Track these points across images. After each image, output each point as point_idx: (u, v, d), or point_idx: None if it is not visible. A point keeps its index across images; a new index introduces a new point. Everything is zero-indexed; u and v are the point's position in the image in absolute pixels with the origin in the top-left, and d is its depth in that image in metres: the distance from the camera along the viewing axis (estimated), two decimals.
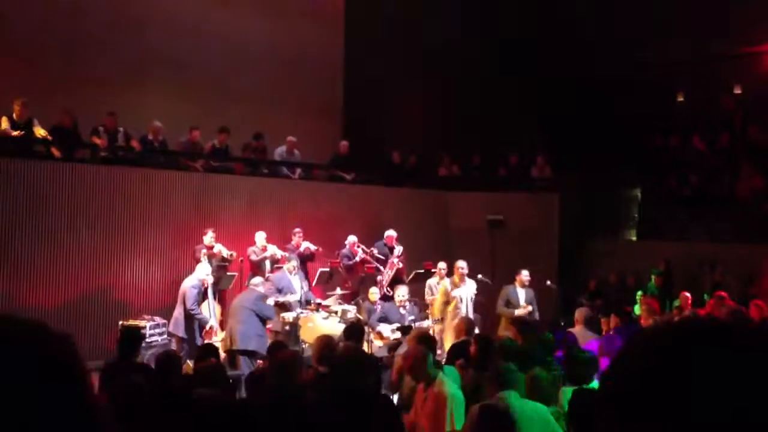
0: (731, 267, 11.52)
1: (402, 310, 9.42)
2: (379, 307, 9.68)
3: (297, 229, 11.21)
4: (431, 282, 10.27)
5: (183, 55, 13.37)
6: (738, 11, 14.38)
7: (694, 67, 15.66)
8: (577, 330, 7.93)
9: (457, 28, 15.82)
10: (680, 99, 16.62)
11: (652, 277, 11.96)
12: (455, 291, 9.79)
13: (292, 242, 11.11)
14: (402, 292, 9.60)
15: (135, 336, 6.04)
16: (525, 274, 10.14)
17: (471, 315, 9.44)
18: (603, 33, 16.02)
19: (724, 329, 0.81)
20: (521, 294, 10.09)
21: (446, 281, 9.95)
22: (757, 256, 11.46)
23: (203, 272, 9.31)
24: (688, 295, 10.21)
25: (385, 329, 9.12)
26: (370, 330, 9.13)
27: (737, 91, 15.69)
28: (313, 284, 10.97)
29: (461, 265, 9.94)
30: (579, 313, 8.41)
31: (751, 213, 12.72)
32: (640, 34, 15.75)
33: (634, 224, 15.35)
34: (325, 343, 5.80)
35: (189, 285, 9.13)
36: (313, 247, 11.17)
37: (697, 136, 14.80)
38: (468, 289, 9.91)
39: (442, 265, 10.22)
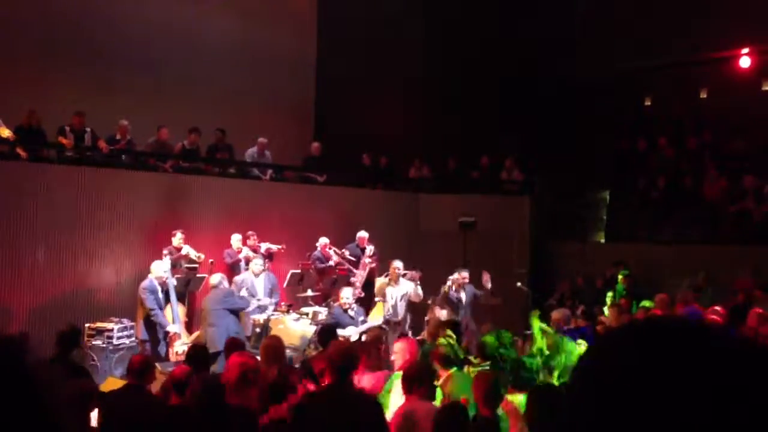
0: (698, 268, 11.67)
1: (351, 312, 9.19)
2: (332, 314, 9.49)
3: (250, 232, 11.07)
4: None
5: (152, 54, 13.22)
6: (704, 17, 14.62)
7: (661, 71, 15.88)
8: None
9: (428, 29, 15.87)
10: (647, 103, 16.85)
11: (620, 278, 12.09)
12: (389, 291, 10.07)
13: (248, 244, 11.01)
14: (346, 295, 9.31)
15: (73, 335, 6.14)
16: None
17: (401, 315, 9.94)
18: (572, 37, 16.19)
19: (691, 328, 0.81)
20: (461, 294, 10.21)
21: (382, 280, 10.25)
22: (725, 257, 11.64)
23: (160, 270, 9.01)
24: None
25: (344, 333, 8.99)
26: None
27: (703, 95, 15.95)
28: (284, 286, 10.90)
29: (397, 265, 10.18)
30: (559, 314, 7.98)
31: (718, 215, 12.93)
32: (609, 39, 15.93)
33: (602, 226, 15.51)
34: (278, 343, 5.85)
35: (142, 286, 8.93)
36: (274, 247, 11.08)
37: (664, 139, 15.02)
38: (401, 290, 10.14)
39: (397, 263, 10.30)
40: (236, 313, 8.72)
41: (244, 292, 9.84)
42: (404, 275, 10.43)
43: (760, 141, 13.82)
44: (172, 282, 9.32)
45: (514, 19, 16.21)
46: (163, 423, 4.02)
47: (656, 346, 0.79)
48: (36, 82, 11.76)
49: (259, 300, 9.86)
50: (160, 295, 9.03)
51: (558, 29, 16.07)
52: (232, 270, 10.57)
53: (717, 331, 0.81)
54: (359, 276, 10.99)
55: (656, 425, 0.74)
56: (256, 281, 10.00)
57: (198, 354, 5.61)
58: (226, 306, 8.47)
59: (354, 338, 8.86)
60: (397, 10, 15.41)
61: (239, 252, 10.68)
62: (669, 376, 0.75)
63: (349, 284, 10.60)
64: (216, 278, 8.94)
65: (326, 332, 6.80)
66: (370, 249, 11.31)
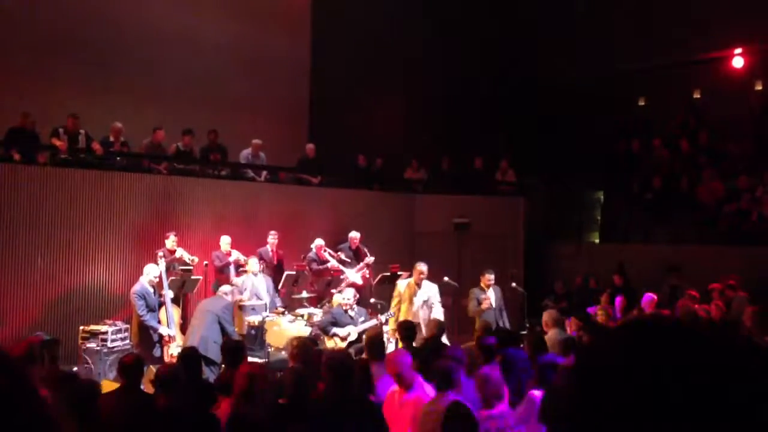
0: (693, 269, 11.70)
1: (351, 312, 9.15)
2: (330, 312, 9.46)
3: (272, 232, 11.22)
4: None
5: (147, 57, 13.19)
6: (698, 17, 14.67)
7: (655, 72, 15.93)
8: (551, 334, 7.67)
9: (423, 31, 15.88)
10: (641, 103, 16.90)
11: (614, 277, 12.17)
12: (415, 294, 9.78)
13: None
14: (347, 296, 9.25)
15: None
16: (489, 277, 10.11)
17: (426, 317, 9.44)
18: (566, 38, 16.22)
19: (682, 329, 0.81)
20: (491, 294, 10.07)
21: (402, 283, 9.97)
22: (718, 257, 11.66)
23: (151, 275, 8.97)
24: (653, 296, 10.31)
25: (342, 332, 9.00)
26: (324, 336, 8.97)
27: (696, 96, 16.01)
28: (279, 287, 10.87)
29: (422, 268, 9.78)
30: (548, 316, 7.95)
31: (712, 216, 12.96)
32: (603, 40, 15.97)
33: (597, 227, 15.54)
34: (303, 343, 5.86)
35: (132, 291, 8.88)
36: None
37: (658, 140, 15.06)
38: (425, 292, 9.78)
39: (422, 266, 9.86)
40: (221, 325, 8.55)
41: (246, 294, 9.86)
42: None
43: (754, 141, 13.87)
44: (167, 282, 9.28)
45: (509, 21, 16.25)
46: (154, 424, 4.01)
47: (643, 343, 0.79)
48: (31, 84, 11.72)
49: (263, 301, 9.83)
50: (154, 297, 9.00)
51: (553, 31, 16.11)
52: (221, 273, 10.55)
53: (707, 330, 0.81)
54: (349, 276, 10.92)
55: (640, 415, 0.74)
56: (256, 281, 9.97)
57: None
58: (221, 316, 8.40)
59: (353, 337, 8.87)
60: (393, 10, 15.41)
61: (228, 255, 10.64)
62: (655, 370, 0.75)
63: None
64: (227, 288, 8.95)
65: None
66: (370, 258, 11.16)
